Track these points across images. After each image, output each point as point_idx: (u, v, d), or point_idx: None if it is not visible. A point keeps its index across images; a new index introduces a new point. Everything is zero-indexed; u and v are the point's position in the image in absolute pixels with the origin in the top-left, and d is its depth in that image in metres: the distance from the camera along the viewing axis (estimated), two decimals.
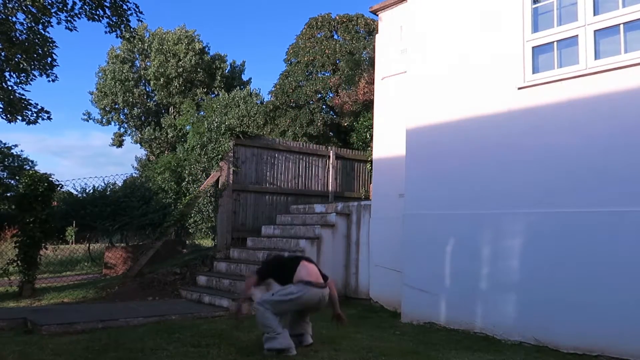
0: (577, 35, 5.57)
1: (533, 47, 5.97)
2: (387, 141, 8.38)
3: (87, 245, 14.35)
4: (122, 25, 10.86)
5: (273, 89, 20.50)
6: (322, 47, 19.78)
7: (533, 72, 5.94)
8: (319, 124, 18.74)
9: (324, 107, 19.73)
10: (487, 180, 6.17)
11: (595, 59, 5.41)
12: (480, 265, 6.10)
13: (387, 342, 5.59)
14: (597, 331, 5.08)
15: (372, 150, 9.30)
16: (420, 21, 7.24)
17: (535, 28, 5.99)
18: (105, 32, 10.89)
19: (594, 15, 5.44)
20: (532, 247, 5.71)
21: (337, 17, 20.64)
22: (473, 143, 6.38)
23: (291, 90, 19.43)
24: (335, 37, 20.78)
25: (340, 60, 19.37)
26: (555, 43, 5.81)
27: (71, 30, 10.92)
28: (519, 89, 5.98)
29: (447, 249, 6.49)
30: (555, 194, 5.58)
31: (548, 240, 5.56)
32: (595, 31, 5.43)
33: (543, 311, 5.49)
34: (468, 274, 6.21)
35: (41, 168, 31.22)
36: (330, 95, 19.30)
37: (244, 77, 30.09)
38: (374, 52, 9.89)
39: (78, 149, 67.46)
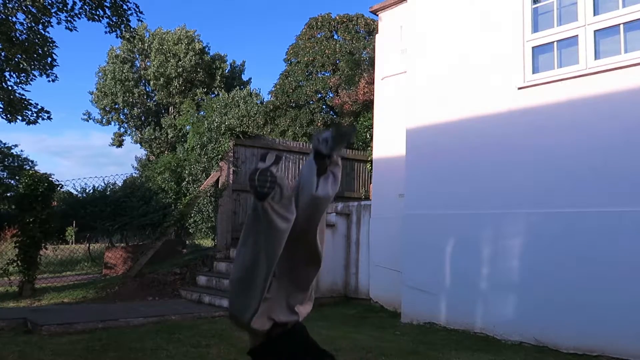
0: (577, 35, 5.57)
1: (533, 47, 5.97)
2: (387, 141, 8.38)
3: (87, 245, 14.33)
4: (122, 25, 10.84)
5: (273, 89, 20.51)
6: (322, 47, 19.77)
7: (533, 72, 5.94)
8: (319, 124, 18.74)
9: (324, 107, 19.72)
10: (487, 180, 6.17)
11: (595, 59, 5.41)
12: (480, 265, 6.10)
13: (387, 342, 5.58)
14: (597, 331, 5.08)
15: (372, 150, 9.29)
16: (421, 21, 7.24)
17: (535, 28, 5.99)
18: (105, 32, 10.87)
19: (594, 15, 5.44)
20: (532, 247, 5.71)
21: (337, 17, 20.63)
22: (473, 143, 6.37)
23: (291, 90, 19.43)
24: (335, 37, 20.77)
25: (340, 60, 19.35)
26: (555, 43, 5.81)
27: (71, 30, 10.90)
28: (519, 89, 5.98)
29: (447, 249, 6.49)
30: (555, 194, 5.58)
31: (548, 240, 5.56)
32: (595, 31, 5.43)
33: (543, 311, 5.49)
34: (468, 274, 6.21)
35: (41, 168, 31.31)
36: (330, 95, 19.30)
37: (244, 77, 30.09)
38: (374, 52, 9.88)
39: (78, 149, 67.34)
